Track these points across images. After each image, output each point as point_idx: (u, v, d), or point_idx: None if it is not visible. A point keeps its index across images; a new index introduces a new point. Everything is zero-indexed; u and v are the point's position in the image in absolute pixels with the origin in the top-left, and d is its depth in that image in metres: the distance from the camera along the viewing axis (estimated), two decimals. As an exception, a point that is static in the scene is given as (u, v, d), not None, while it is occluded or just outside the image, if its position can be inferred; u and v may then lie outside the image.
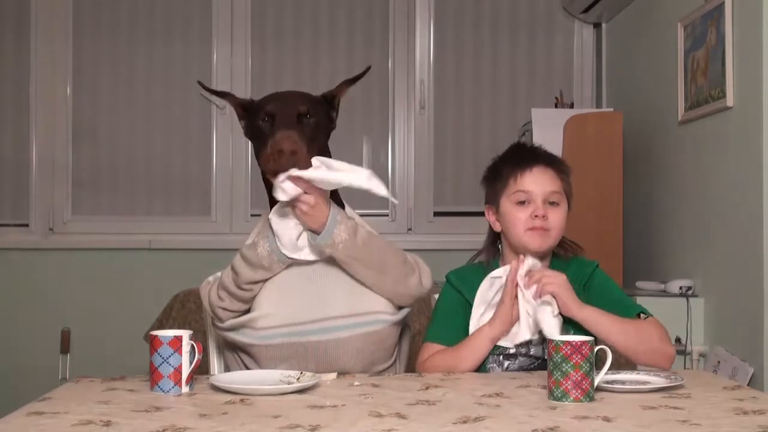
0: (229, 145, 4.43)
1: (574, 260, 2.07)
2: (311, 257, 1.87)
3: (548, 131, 3.62)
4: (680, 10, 3.37)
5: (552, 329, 1.83)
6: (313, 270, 1.89)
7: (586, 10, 4.30)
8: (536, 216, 1.95)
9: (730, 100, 2.94)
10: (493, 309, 1.94)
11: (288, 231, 1.84)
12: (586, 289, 2.01)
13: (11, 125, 4.41)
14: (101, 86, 4.43)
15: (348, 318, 1.85)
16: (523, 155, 2.06)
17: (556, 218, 1.97)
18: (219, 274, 1.97)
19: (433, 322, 2.03)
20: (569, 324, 1.98)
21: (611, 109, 4.00)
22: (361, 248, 1.85)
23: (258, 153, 1.88)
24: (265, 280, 1.89)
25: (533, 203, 1.97)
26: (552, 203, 1.98)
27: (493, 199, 2.07)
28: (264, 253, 1.86)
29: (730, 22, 2.93)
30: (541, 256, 2.00)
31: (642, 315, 1.94)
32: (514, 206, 1.99)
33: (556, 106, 4.12)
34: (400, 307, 1.95)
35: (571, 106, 4.17)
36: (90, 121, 4.42)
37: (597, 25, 4.47)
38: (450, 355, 1.93)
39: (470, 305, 2.01)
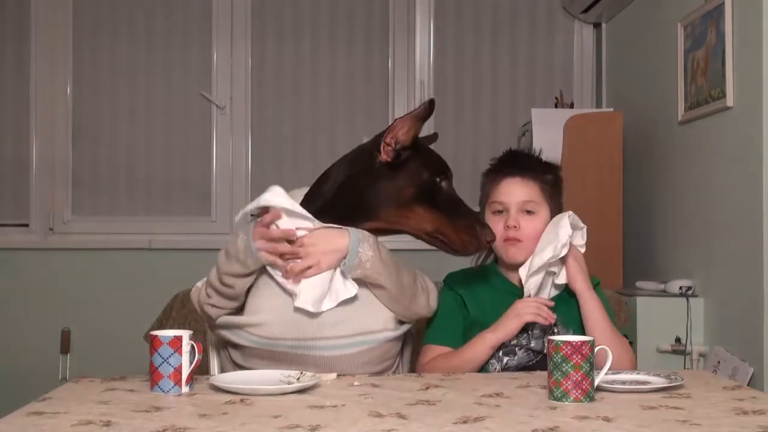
0: (229, 145, 4.43)
1: None
2: None
3: (548, 131, 3.63)
4: (680, 10, 3.37)
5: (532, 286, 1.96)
6: None
7: (586, 10, 4.30)
8: (508, 226, 1.98)
9: (730, 100, 2.94)
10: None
11: None
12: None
13: (11, 125, 4.41)
14: (101, 86, 4.43)
15: (353, 337, 1.83)
16: (501, 165, 2.09)
17: (531, 227, 1.99)
18: (206, 279, 1.96)
19: (432, 324, 2.04)
20: (571, 324, 1.99)
21: (611, 109, 4.00)
22: (386, 262, 1.85)
23: (398, 189, 1.87)
24: (243, 276, 1.85)
25: (507, 213, 2.01)
26: (528, 212, 2.00)
27: (481, 206, 2.11)
28: (240, 246, 1.84)
29: (730, 22, 2.93)
30: (519, 264, 2.02)
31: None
32: (492, 216, 2.04)
33: (556, 106, 4.12)
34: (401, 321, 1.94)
35: (571, 106, 4.17)
36: (90, 121, 4.42)
37: (597, 25, 4.47)
38: (451, 359, 1.95)
39: (467, 306, 2.02)
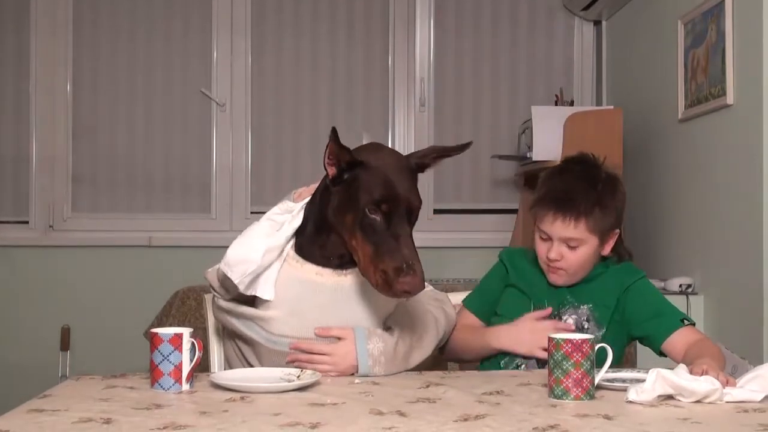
0: (228, 142, 4.43)
1: (623, 266, 2.09)
2: (268, 296, 1.83)
3: (548, 129, 3.62)
4: (680, 8, 3.37)
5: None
6: (335, 287, 1.84)
7: (586, 8, 4.29)
8: (549, 258, 1.99)
9: (730, 98, 2.94)
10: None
11: (247, 262, 1.79)
12: (625, 293, 2.02)
13: (11, 122, 4.40)
14: (101, 83, 4.43)
15: None
16: (550, 191, 2.03)
17: (574, 258, 1.98)
18: (217, 266, 1.96)
19: (475, 288, 2.17)
20: (604, 322, 2.00)
21: (611, 107, 3.99)
22: (403, 362, 1.85)
23: (340, 212, 1.76)
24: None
25: (551, 242, 1.99)
26: (570, 246, 1.98)
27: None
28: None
29: (730, 19, 2.93)
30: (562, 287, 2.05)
31: (685, 321, 1.97)
32: (539, 240, 2.03)
33: (556, 104, 4.12)
34: None
35: (571, 103, 4.17)
36: (90, 118, 4.42)
37: (597, 23, 4.46)
38: (464, 337, 2.04)
39: (509, 274, 2.10)
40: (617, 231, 2.04)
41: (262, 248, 1.80)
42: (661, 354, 1.99)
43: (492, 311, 2.11)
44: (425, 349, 1.90)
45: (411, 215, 1.74)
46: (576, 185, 2.00)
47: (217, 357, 2.10)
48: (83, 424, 1.35)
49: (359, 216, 1.72)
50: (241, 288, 1.79)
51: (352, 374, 1.80)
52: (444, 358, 2.11)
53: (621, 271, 2.07)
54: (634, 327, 2.01)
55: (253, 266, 1.79)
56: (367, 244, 1.70)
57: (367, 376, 1.79)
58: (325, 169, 1.79)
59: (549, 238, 1.99)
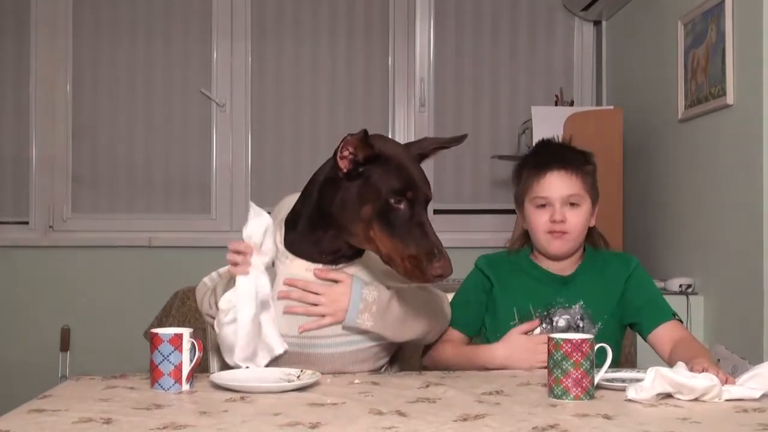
0: (229, 143, 4.43)
1: (613, 253, 2.12)
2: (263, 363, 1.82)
3: (548, 129, 3.60)
4: (680, 8, 3.37)
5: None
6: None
7: (586, 8, 4.29)
8: (554, 221, 1.99)
9: (730, 98, 2.94)
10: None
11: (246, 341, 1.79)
12: (627, 281, 2.04)
13: (11, 123, 4.41)
14: (101, 83, 4.43)
15: (348, 336, 1.84)
16: (541, 158, 2.07)
17: (576, 219, 2.00)
18: (214, 274, 1.96)
19: (453, 302, 2.08)
20: (599, 319, 2.01)
21: (611, 107, 3.99)
22: (391, 328, 1.85)
23: (355, 204, 1.75)
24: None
25: (552, 207, 2.00)
26: (572, 204, 2.00)
27: (518, 199, 2.11)
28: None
29: (730, 19, 2.93)
30: (563, 257, 2.04)
31: (675, 316, 2.00)
32: (535, 210, 2.04)
33: (556, 104, 4.12)
34: None
35: (571, 103, 4.17)
36: (90, 119, 4.42)
37: (597, 23, 4.46)
38: (454, 356, 2.00)
39: (493, 288, 2.06)
40: (597, 201, 2.08)
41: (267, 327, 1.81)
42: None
43: (478, 322, 2.08)
44: (417, 326, 1.89)
45: (427, 204, 1.77)
46: (569, 149, 2.09)
47: (216, 360, 2.10)
48: (83, 425, 1.35)
49: (379, 206, 1.73)
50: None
51: (339, 323, 1.81)
52: (428, 367, 2.07)
53: (616, 258, 2.09)
54: (627, 313, 2.03)
55: (265, 346, 1.81)
56: (391, 233, 1.72)
57: (354, 329, 1.80)
58: (336, 164, 1.77)
59: (547, 204, 2.00)
